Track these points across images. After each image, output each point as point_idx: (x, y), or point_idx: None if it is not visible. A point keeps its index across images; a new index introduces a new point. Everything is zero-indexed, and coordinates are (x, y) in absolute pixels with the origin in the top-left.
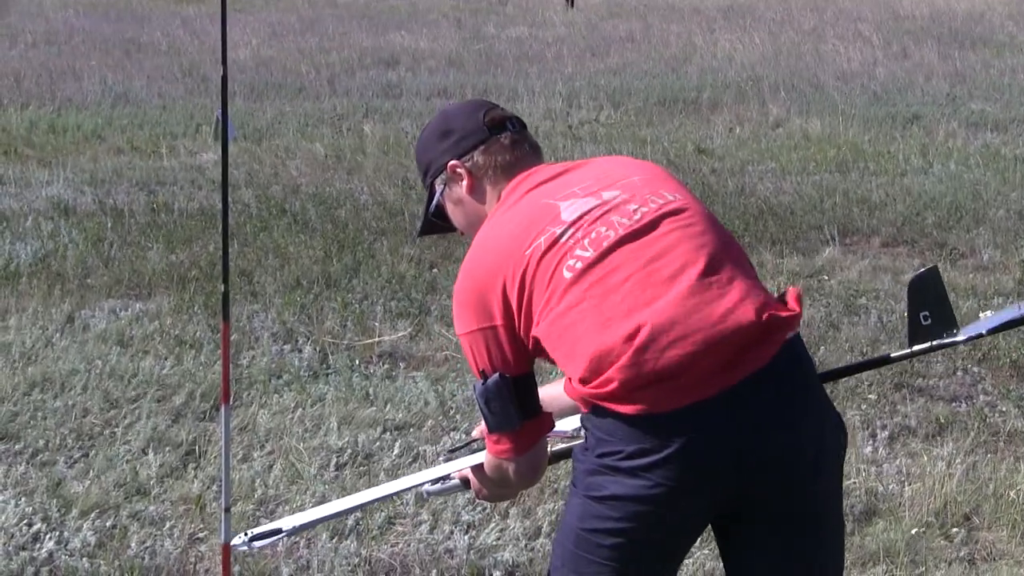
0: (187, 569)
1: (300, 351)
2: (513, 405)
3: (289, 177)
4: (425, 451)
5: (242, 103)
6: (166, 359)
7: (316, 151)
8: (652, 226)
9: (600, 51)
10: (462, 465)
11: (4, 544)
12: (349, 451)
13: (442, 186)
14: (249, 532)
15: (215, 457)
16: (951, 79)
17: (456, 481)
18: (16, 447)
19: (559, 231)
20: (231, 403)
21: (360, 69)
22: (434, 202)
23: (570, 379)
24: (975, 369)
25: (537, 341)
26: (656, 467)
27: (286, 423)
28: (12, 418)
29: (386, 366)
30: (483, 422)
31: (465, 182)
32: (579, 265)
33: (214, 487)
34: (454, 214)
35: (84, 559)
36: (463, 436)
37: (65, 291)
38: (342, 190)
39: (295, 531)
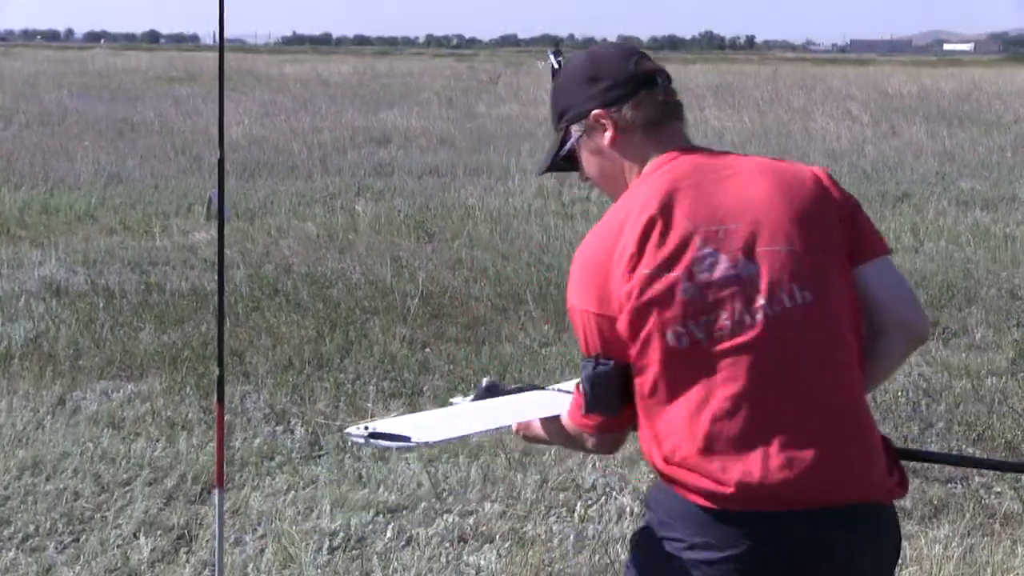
0: None
1: (292, 432)
2: (618, 393)
3: (281, 256)
4: (418, 534)
5: (235, 182)
6: (158, 441)
7: (308, 230)
8: (773, 341)
9: None
10: (531, 414)
11: None
12: (342, 534)
13: (580, 132)
14: (370, 426)
15: (207, 541)
16: (940, 157)
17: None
18: (6, 532)
19: (684, 282)
20: (224, 486)
21: (352, 148)
22: (567, 147)
23: (647, 438)
24: (970, 450)
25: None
26: (716, 564)
27: (278, 506)
28: (2, 503)
29: (378, 448)
30: (577, 390)
31: (608, 133)
32: (686, 342)
33: (206, 572)
34: (588, 163)
35: None
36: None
37: (57, 372)
38: (334, 269)
39: (422, 445)
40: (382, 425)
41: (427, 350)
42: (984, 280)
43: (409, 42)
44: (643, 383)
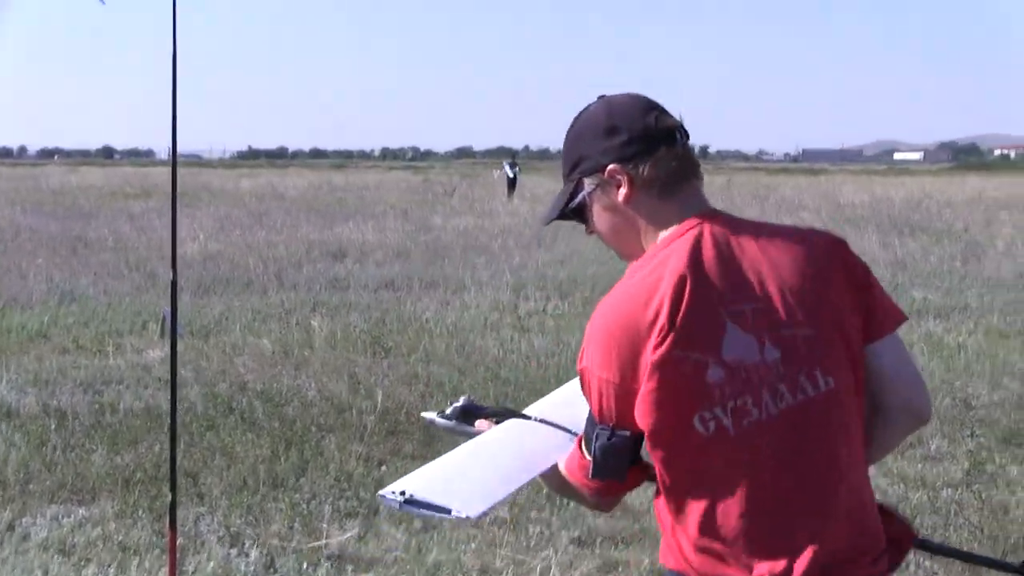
0: None
1: (247, 555)
2: (629, 461)
3: (236, 374)
4: None
5: (189, 299)
6: (109, 567)
7: (263, 347)
8: (792, 428)
9: (546, 241)
10: (546, 460)
11: None
12: None
13: (593, 186)
14: (406, 492)
15: None
16: (892, 267)
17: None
18: None
19: (712, 365)
20: None
21: (308, 262)
22: (577, 199)
23: (668, 523)
24: (927, 563)
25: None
26: None
27: None
28: None
29: (334, 569)
30: (584, 451)
31: (624, 190)
32: (712, 428)
33: None
34: (599, 218)
35: None
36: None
37: (6, 498)
38: (290, 386)
39: (464, 521)
40: (417, 488)
41: (384, 468)
42: (938, 390)
43: (364, 155)
44: (665, 466)
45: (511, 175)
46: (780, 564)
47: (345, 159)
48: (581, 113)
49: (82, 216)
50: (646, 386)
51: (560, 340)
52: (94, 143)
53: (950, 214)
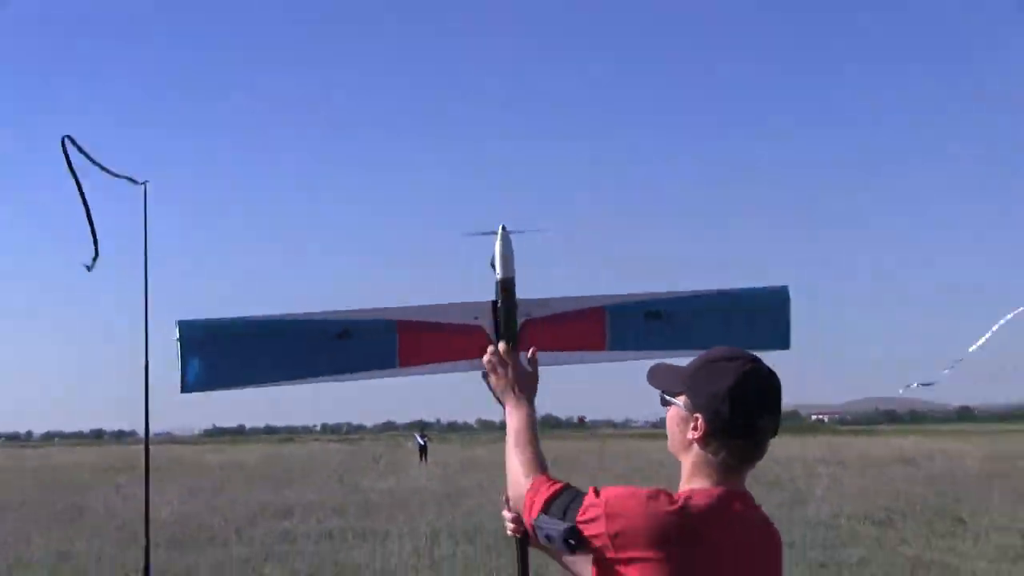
0: None
1: None
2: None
3: None
4: None
5: (164, 553)
6: None
7: None
8: None
9: (455, 497)
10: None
11: None
12: None
13: (681, 408)
14: None
15: None
16: None
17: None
18: None
19: None
20: None
21: (262, 520)
22: (661, 398)
23: None
24: None
25: None
26: None
27: None
28: None
29: None
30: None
31: (698, 435)
32: None
33: None
34: (670, 427)
35: None
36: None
37: None
38: None
39: None
40: None
41: None
42: None
43: (308, 430)
44: None
45: (421, 443)
46: None
47: (293, 433)
48: (747, 374)
49: (78, 489)
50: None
51: None
52: (87, 426)
53: (779, 468)
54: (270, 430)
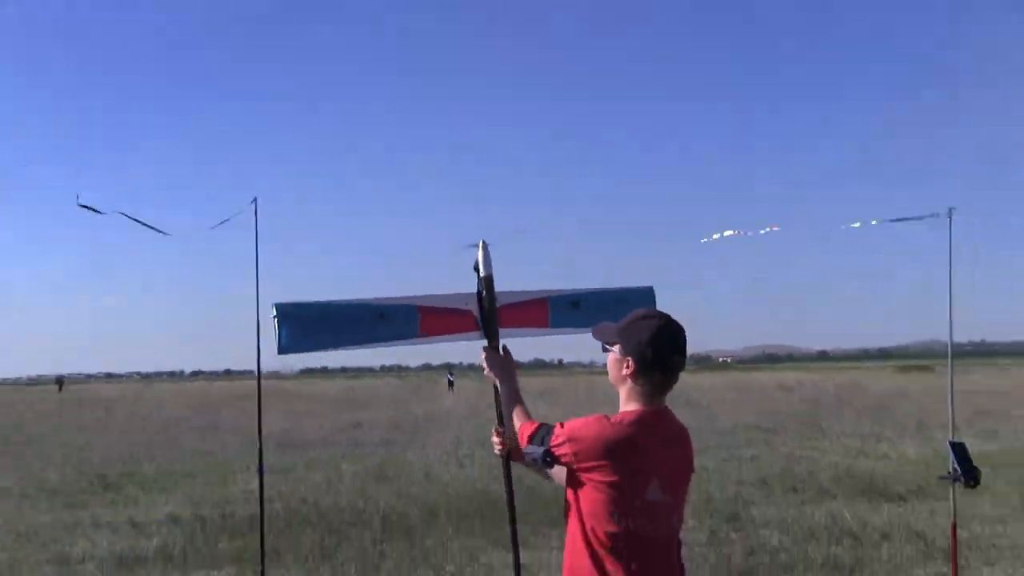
0: None
1: None
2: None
3: (314, 489)
4: None
5: (273, 454)
6: None
7: (316, 479)
8: (665, 544)
9: (473, 417)
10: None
11: None
12: None
13: (616, 353)
14: None
15: None
16: None
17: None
18: None
19: (637, 498)
20: None
21: (340, 432)
22: (602, 347)
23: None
24: None
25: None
26: None
27: None
28: None
29: None
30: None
31: (629, 372)
32: (631, 525)
33: None
34: (610, 367)
35: None
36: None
37: None
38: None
39: None
40: None
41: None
42: None
43: (371, 370)
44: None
45: (451, 379)
46: None
47: (360, 372)
48: (658, 324)
49: (215, 409)
50: (605, 473)
51: (481, 472)
52: (220, 366)
53: (697, 394)
54: (344, 370)
